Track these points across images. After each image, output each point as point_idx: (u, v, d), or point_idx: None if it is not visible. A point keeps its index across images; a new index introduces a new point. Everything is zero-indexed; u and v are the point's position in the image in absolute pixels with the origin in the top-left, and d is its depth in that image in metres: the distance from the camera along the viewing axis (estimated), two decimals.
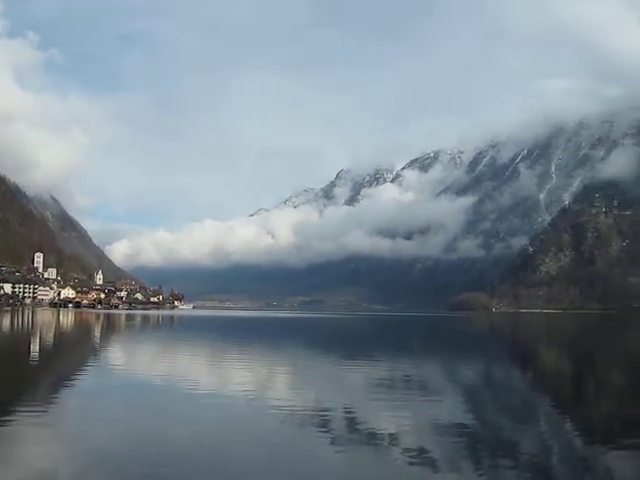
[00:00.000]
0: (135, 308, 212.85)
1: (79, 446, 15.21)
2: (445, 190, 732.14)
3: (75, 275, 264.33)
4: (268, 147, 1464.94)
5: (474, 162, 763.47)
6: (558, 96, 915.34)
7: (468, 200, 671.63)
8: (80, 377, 28.17)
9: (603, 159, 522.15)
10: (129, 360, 37.54)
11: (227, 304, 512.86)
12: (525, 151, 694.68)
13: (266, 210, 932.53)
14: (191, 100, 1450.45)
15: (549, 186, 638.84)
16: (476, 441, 16.47)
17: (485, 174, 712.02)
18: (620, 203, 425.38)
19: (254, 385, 26.32)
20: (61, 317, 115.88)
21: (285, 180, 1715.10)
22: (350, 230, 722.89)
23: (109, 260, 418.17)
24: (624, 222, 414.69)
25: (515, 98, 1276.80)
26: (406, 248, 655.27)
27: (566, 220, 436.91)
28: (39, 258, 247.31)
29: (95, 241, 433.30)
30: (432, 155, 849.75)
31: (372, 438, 16.36)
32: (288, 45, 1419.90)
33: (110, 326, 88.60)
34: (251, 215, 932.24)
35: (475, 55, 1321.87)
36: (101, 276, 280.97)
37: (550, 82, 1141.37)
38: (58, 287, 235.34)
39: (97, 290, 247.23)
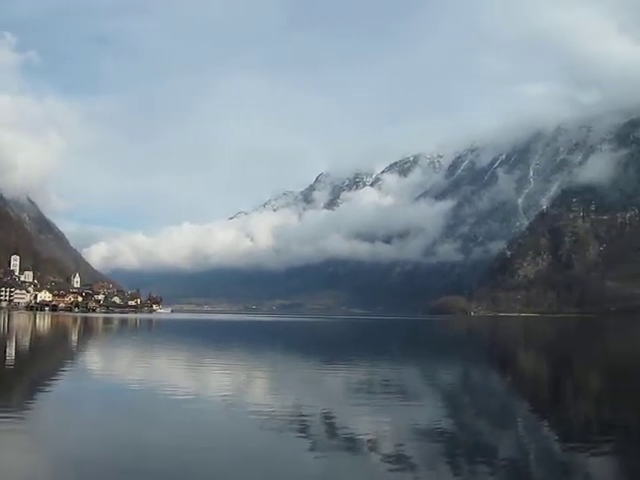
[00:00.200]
0: (113, 312, 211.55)
1: (55, 453, 15.02)
2: (424, 194, 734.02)
3: (52, 278, 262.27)
4: (247, 150, 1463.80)
5: (453, 166, 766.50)
6: (536, 101, 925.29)
7: (447, 204, 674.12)
8: (57, 382, 27.88)
9: (581, 164, 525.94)
10: (106, 365, 37.19)
11: (206, 307, 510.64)
12: (504, 156, 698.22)
13: (245, 213, 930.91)
14: (170, 102, 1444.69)
15: (527, 190, 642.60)
16: (455, 445, 16.46)
17: (464, 178, 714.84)
18: (597, 208, 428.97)
19: (233, 389, 26.16)
20: (38, 320, 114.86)
21: (264, 183, 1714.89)
22: (329, 234, 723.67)
23: (86, 263, 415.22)
24: (601, 226, 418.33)
25: (494, 103, 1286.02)
26: (385, 252, 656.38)
27: (544, 224, 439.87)
28: (15, 261, 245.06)
29: (72, 244, 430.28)
30: (411, 159, 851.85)
31: (351, 443, 16.29)
32: (268, 46, 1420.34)
33: (87, 330, 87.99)
34: (230, 218, 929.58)
35: (454, 60, 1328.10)
36: (78, 279, 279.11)
37: (529, 87, 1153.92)
38: (35, 290, 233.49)
39: (74, 293, 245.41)
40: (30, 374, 31.23)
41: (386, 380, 30.76)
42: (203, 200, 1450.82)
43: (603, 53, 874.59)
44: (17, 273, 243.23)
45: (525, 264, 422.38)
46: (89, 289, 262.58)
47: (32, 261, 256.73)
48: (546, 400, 26.05)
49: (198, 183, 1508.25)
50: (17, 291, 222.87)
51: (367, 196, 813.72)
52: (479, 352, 61.48)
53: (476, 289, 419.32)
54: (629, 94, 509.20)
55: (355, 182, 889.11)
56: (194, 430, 17.65)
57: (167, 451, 15.21)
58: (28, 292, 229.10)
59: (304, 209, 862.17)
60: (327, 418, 19.75)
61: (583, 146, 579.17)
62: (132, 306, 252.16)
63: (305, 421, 19.12)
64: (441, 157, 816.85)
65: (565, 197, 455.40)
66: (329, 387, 28.02)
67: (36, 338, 64.20)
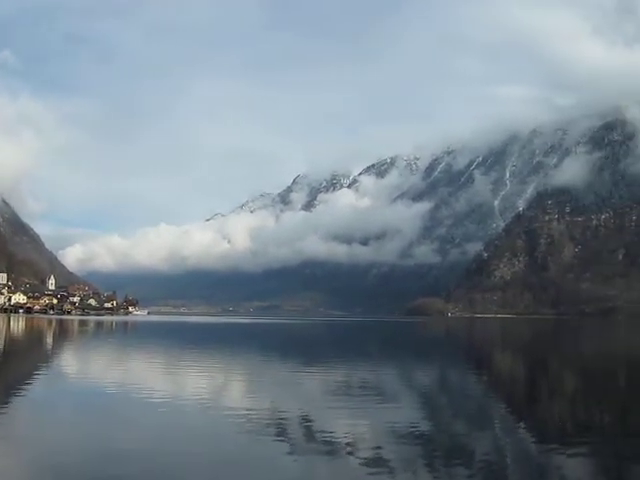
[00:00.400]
0: (88, 314, 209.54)
1: (30, 458, 14.84)
2: (401, 196, 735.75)
3: (27, 280, 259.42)
4: (224, 151, 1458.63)
5: (430, 168, 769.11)
6: (513, 104, 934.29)
7: (424, 206, 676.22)
8: (31, 386, 27.56)
9: (556, 166, 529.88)
10: (82, 368, 36.85)
11: (182, 309, 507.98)
12: (480, 158, 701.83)
13: (222, 215, 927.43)
14: (147, 103, 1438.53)
15: (503, 192, 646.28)
16: (433, 447, 16.49)
17: (441, 180, 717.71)
18: (572, 210, 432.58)
19: (209, 392, 26.02)
20: (12, 323, 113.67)
21: (242, 185, 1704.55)
22: (306, 235, 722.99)
23: (62, 265, 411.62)
24: (576, 228, 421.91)
25: (470, 105, 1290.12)
26: (362, 254, 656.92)
27: (520, 226, 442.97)
28: None
29: (47, 246, 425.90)
30: (388, 161, 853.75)
31: (329, 445, 16.25)
32: (245, 47, 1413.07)
33: (62, 332, 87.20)
34: (207, 220, 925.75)
35: (431, 63, 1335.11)
36: (53, 281, 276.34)
37: (505, 90, 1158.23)
38: (9, 292, 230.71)
39: (49, 295, 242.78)
40: (4, 378, 30.89)
41: (364, 382, 30.79)
42: (180, 201, 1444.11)
43: (578, 56, 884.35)
44: None
45: (501, 265, 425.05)
46: (64, 291, 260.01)
47: (6, 263, 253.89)
48: (522, 401, 26.23)
49: (175, 184, 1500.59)
50: None
51: (344, 198, 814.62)
52: (456, 353, 61.72)
53: (453, 290, 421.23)
54: (604, 97, 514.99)
55: (332, 184, 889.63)
56: (170, 433, 17.54)
57: (144, 454, 15.09)
58: (2, 294, 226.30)
59: (281, 211, 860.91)
60: (305, 420, 19.69)
61: (558, 149, 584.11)
62: (108, 308, 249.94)
63: (282, 424, 19.05)
64: (418, 159, 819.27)
65: (541, 199, 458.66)
66: (307, 389, 27.97)
67: (10, 341, 63.49)
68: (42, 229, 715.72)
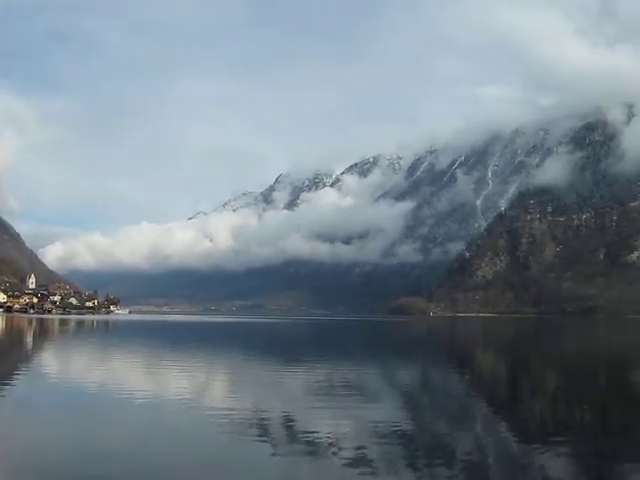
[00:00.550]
0: (69, 313, 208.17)
1: (10, 458, 14.71)
2: (384, 195, 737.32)
3: (6, 279, 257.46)
4: (207, 150, 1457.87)
5: (412, 168, 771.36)
6: (495, 104, 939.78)
7: (406, 205, 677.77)
8: (11, 386, 27.29)
9: (538, 166, 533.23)
10: (62, 367, 36.54)
11: (164, 308, 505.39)
12: (462, 157, 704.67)
13: (205, 213, 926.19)
14: (130, 101, 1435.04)
15: (485, 192, 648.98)
16: (415, 446, 16.50)
17: (423, 180, 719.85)
18: (554, 209, 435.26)
19: (191, 392, 25.89)
20: None
21: (224, 183, 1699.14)
22: (289, 234, 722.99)
23: (42, 264, 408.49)
24: (558, 228, 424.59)
25: (453, 105, 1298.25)
26: (345, 253, 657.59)
27: (502, 226, 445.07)
28: None
29: (28, 244, 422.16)
30: (371, 160, 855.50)
31: (311, 444, 16.22)
32: (228, 47, 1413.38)
33: (43, 331, 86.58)
34: (189, 218, 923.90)
35: (414, 63, 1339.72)
36: (34, 280, 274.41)
37: (487, 90, 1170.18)
38: None
39: (29, 294, 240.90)
40: None
41: (346, 381, 30.77)
42: (162, 200, 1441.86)
43: (560, 57, 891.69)
44: None
45: (483, 265, 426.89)
46: (45, 290, 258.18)
47: None
48: (504, 400, 26.32)
49: (157, 183, 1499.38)
50: None
51: (327, 197, 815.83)
52: (438, 353, 61.89)
53: (435, 290, 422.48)
54: (585, 98, 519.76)
55: (315, 183, 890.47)
56: (152, 433, 17.47)
57: (125, 454, 15.00)
58: None
59: (264, 210, 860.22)
60: (287, 420, 19.63)
61: (540, 149, 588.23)
62: (89, 307, 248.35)
63: (265, 424, 18.98)
64: (401, 158, 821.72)
65: (522, 199, 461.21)
66: (289, 389, 27.90)
67: None
68: (22, 227, 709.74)
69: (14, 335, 78.15)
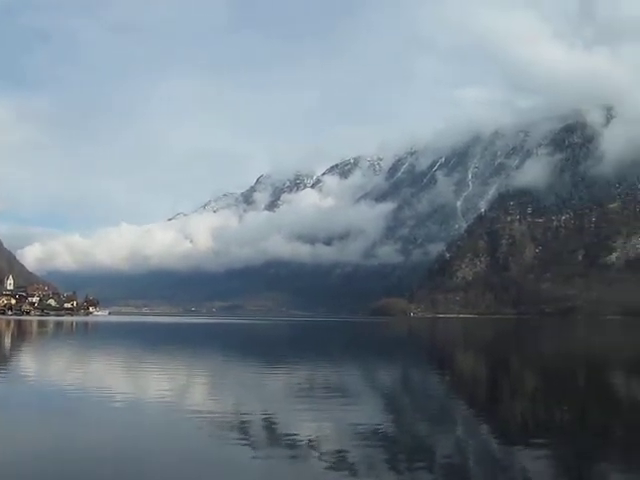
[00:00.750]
0: (48, 314, 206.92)
1: None
2: (364, 196, 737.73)
3: None
4: (187, 150, 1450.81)
5: (393, 169, 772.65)
6: (475, 106, 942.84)
7: (387, 206, 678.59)
8: None
9: (517, 168, 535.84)
10: (41, 369, 36.32)
11: (144, 310, 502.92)
12: (443, 159, 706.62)
13: (185, 214, 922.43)
14: (109, 102, 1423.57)
15: (466, 193, 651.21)
16: (396, 447, 16.52)
17: (404, 181, 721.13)
18: (534, 211, 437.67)
19: (171, 393, 25.76)
20: None
21: (204, 184, 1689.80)
22: (270, 235, 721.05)
23: (21, 265, 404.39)
24: (537, 229, 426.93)
25: (434, 107, 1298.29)
26: (326, 254, 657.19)
27: (482, 227, 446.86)
28: None
29: (6, 245, 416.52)
30: (352, 161, 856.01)
31: (291, 444, 16.22)
32: (209, 47, 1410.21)
33: (21, 333, 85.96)
34: (169, 219, 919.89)
35: (394, 64, 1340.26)
36: (12, 281, 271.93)
37: (467, 92, 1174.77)
38: None
39: (7, 296, 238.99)
40: None
41: (327, 383, 30.76)
42: (142, 201, 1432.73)
43: (539, 59, 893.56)
44: None
45: (463, 266, 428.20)
46: (23, 291, 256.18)
47: None
48: (484, 402, 26.43)
49: (136, 184, 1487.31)
50: None
51: (308, 198, 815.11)
52: (419, 354, 62.04)
53: (416, 291, 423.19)
54: (565, 100, 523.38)
55: (296, 184, 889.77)
56: (131, 434, 17.39)
57: (103, 457, 14.92)
58: None
59: (244, 210, 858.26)
60: (267, 422, 19.59)
61: (520, 150, 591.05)
62: (68, 309, 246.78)
63: (245, 423, 18.97)
64: (381, 160, 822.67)
65: (502, 200, 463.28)
66: (270, 390, 27.84)
67: None
68: (0, 228, 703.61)
69: None
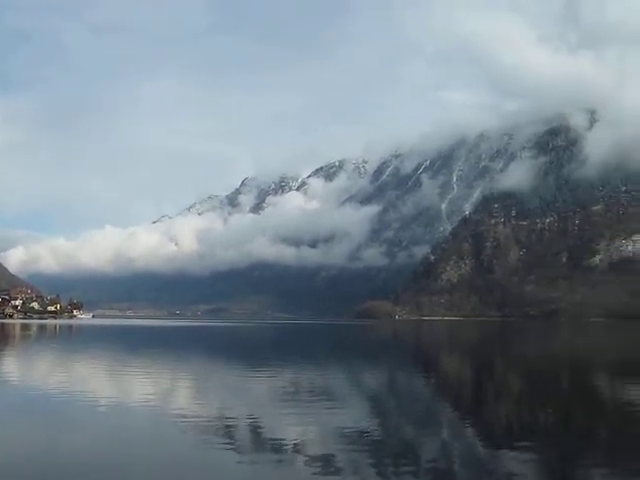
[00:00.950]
0: (31, 318, 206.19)
1: None
2: (350, 199, 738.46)
3: None
4: (172, 153, 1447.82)
5: (378, 172, 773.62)
6: (460, 109, 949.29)
7: (372, 209, 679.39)
8: None
9: (502, 171, 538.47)
10: (24, 373, 36.06)
11: (129, 313, 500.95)
12: (428, 162, 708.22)
13: (169, 217, 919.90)
14: (94, 104, 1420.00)
15: (450, 196, 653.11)
16: (381, 450, 16.48)
17: (389, 184, 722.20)
18: (518, 213, 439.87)
19: (156, 397, 25.61)
20: None
21: (189, 187, 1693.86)
22: (255, 238, 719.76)
23: (4, 267, 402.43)
24: (521, 232, 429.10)
25: (418, 110, 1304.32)
26: (311, 256, 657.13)
27: (466, 229, 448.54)
28: None
29: None
30: (337, 164, 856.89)
31: (276, 448, 16.19)
32: (194, 49, 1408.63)
33: (3, 337, 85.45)
34: (154, 222, 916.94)
35: (379, 67, 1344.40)
36: None
37: (452, 95, 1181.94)
38: None
39: None
40: None
41: (312, 386, 30.72)
42: (126, 203, 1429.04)
43: (524, 63, 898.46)
44: None
45: (448, 268, 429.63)
46: (6, 294, 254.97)
47: None
48: (469, 404, 26.45)
49: (121, 186, 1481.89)
50: None
51: (293, 200, 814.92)
52: (404, 356, 62.09)
53: (401, 293, 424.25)
54: (549, 103, 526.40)
55: (281, 186, 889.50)
56: (116, 437, 17.27)
57: (87, 461, 14.81)
58: None
59: (229, 213, 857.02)
60: (252, 425, 19.52)
61: (504, 153, 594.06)
62: (52, 312, 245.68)
63: (229, 426, 18.91)
64: (366, 162, 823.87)
65: (487, 203, 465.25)
66: (254, 393, 27.76)
67: None
68: None
69: None
